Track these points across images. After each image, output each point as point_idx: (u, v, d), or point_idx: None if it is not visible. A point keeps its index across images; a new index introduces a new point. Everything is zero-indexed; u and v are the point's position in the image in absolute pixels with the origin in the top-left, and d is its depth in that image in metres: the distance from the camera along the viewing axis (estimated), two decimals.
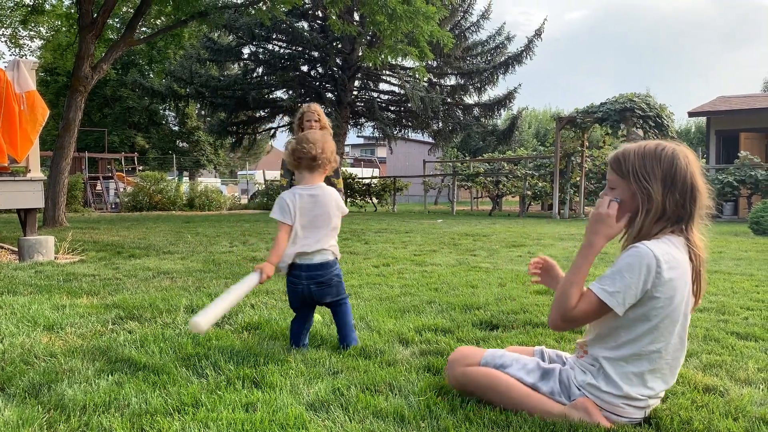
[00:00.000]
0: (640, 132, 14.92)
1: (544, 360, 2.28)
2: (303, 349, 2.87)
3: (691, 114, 19.60)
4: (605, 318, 2.03)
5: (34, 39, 26.83)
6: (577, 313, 2.00)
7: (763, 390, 2.36)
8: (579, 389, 2.07)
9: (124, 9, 20.17)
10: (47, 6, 18.46)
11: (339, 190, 4.52)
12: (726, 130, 18.33)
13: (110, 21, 17.34)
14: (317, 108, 5.10)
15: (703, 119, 23.37)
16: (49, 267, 5.79)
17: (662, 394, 2.12)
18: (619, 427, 2.00)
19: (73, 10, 16.31)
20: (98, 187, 24.06)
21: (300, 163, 2.91)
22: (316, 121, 5.03)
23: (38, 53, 29.68)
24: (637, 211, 2.02)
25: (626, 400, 2.01)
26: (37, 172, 6.63)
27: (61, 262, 6.18)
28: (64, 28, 20.37)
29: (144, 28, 21.49)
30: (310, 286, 2.85)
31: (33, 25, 23.46)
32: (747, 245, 8.25)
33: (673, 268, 1.95)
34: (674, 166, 1.98)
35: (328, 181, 3.29)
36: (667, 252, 1.95)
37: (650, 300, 1.96)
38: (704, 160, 19.01)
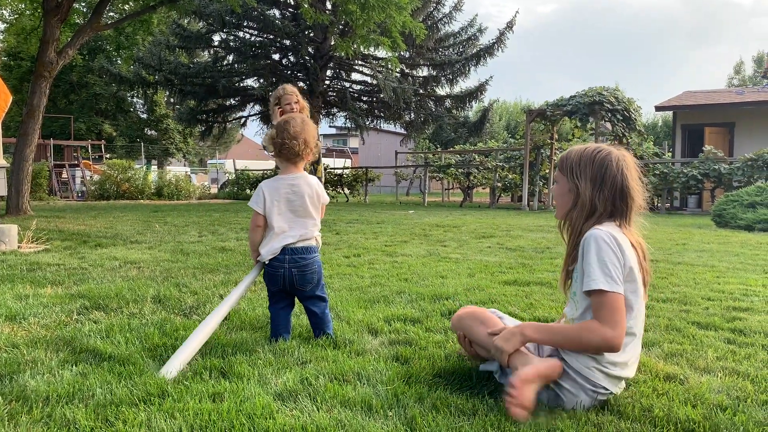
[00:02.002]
0: (609, 125, 15.13)
1: None
2: (282, 338, 2.85)
3: (658, 108, 19.92)
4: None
5: None
6: (611, 324, 2.01)
7: (721, 378, 2.43)
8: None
9: None
10: None
11: (319, 178, 4.47)
12: (691, 124, 18.68)
13: (76, 5, 16.96)
14: (294, 90, 4.99)
15: (669, 113, 23.77)
16: (12, 256, 5.67)
17: (632, 371, 2.20)
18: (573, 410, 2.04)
19: None
20: (64, 175, 23.61)
21: (281, 154, 2.90)
22: (296, 103, 4.94)
23: (1, 37, 28.89)
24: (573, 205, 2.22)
25: (599, 364, 2.08)
26: None
27: (24, 252, 6.05)
28: (28, 12, 19.80)
29: (111, 13, 21.05)
30: (291, 270, 2.83)
31: None
32: (709, 237, 8.45)
33: (623, 240, 2.10)
34: (605, 167, 2.17)
35: (312, 166, 3.25)
36: (609, 231, 2.10)
37: (630, 273, 2.09)
38: (670, 154, 19.37)
